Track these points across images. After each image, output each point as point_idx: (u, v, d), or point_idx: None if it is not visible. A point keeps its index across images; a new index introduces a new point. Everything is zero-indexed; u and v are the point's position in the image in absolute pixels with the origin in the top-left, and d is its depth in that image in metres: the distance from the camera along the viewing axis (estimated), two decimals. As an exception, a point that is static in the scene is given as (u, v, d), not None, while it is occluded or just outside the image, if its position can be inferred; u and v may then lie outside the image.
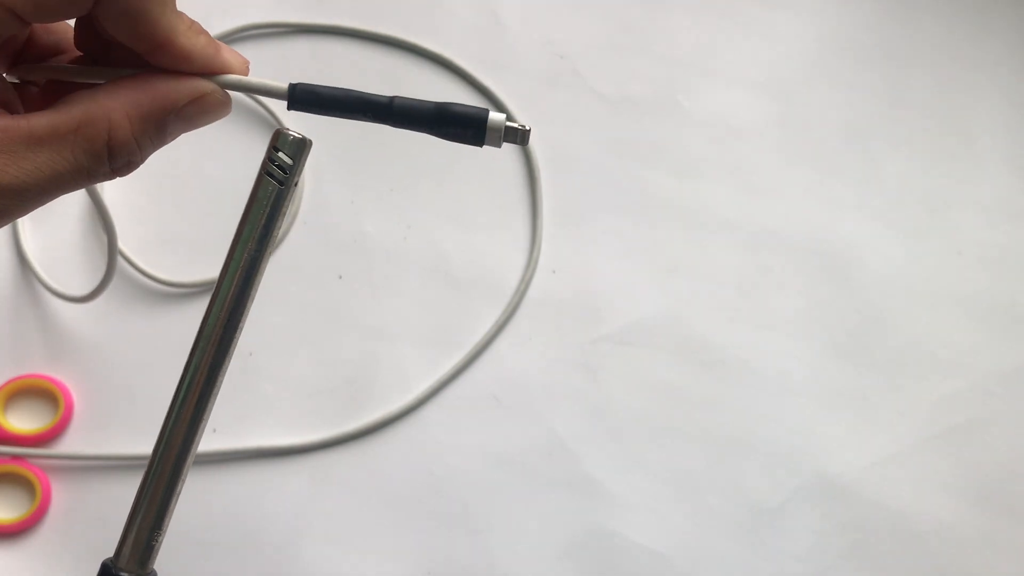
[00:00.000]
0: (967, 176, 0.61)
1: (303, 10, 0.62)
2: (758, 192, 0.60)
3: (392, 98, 0.32)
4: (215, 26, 0.61)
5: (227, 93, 0.32)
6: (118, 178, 0.31)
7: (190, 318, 0.57)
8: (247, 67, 0.34)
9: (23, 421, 0.54)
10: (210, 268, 0.57)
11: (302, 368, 0.55)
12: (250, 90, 0.33)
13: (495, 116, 0.32)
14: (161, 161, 0.60)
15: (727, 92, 0.62)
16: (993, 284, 0.59)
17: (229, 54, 0.34)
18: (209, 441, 0.54)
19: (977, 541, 0.54)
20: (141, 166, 0.31)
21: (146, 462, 0.56)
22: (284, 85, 0.33)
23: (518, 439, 0.55)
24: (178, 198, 0.58)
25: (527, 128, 0.32)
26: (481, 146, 0.32)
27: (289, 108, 0.33)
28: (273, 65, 0.61)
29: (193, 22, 0.32)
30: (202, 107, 0.32)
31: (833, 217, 0.60)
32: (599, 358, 0.56)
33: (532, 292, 0.57)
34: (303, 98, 0.34)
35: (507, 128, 0.32)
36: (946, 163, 0.61)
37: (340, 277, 0.57)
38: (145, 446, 0.54)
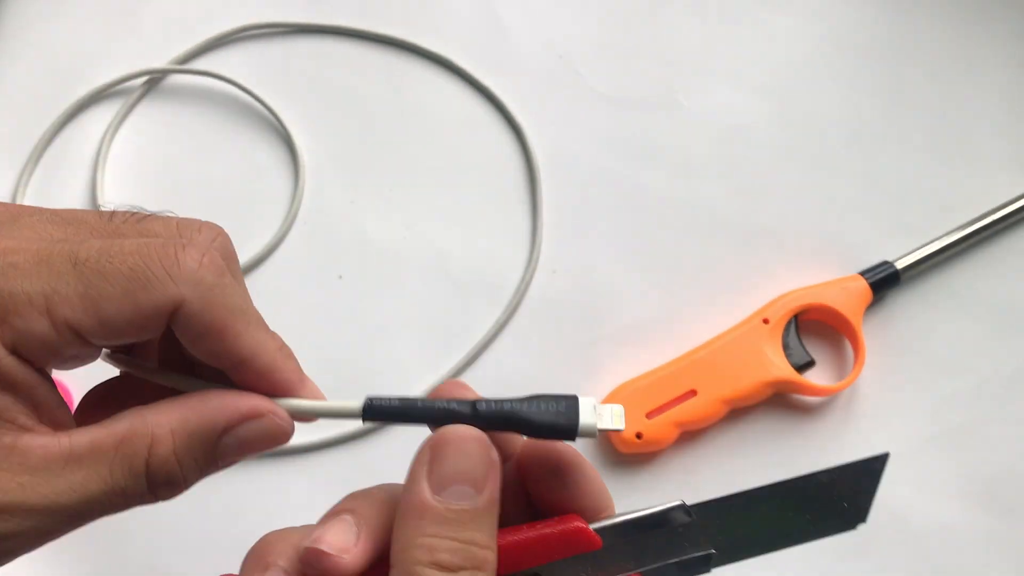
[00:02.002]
0: (967, 176, 0.61)
1: (303, 10, 0.62)
2: (758, 192, 0.60)
3: (474, 404, 0.30)
4: (215, 26, 0.61)
5: (290, 419, 0.29)
6: (161, 502, 0.28)
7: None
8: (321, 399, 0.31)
9: (23, 421, 0.54)
10: (210, 268, 0.57)
11: (302, 368, 0.55)
12: (321, 415, 0.31)
13: (585, 422, 0.30)
14: (161, 161, 0.60)
15: (727, 92, 0.62)
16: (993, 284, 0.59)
17: (312, 386, 0.31)
18: (209, 441, 0.54)
19: (977, 541, 0.54)
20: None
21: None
22: (358, 405, 0.31)
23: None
24: (179, 198, 0.58)
25: (619, 428, 0.30)
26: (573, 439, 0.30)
27: (364, 421, 0.31)
28: (273, 65, 0.61)
29: (284, 345, 0.31)
30: (259, 429, 0.29)
31: (833, 217, 0.60)
32: (599, 358, 0.56)
33: (532, 292, 0.57)
34: (377, 414, 0.31)
35: (600, 427, 0.30)
36: (946, 163, 0.61)
37: (340, 277, 0.57)
38: (145, 446, 0.54)
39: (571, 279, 0.58)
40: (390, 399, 0.31)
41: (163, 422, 0.28)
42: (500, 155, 0.60)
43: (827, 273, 0.58)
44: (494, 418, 0.30)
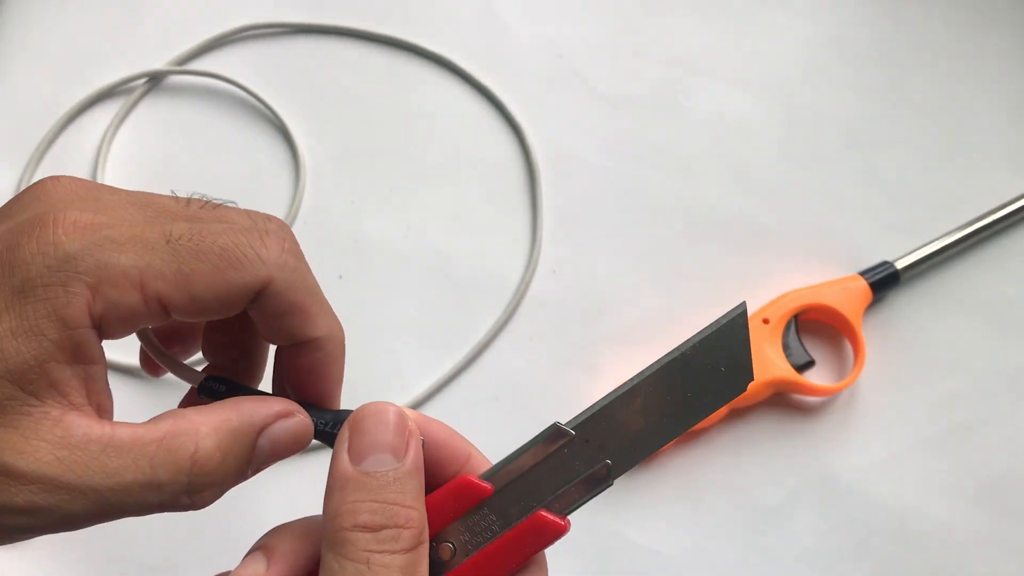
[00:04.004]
0: (967, 176, 0.61)
1: (303, 10, 0.62)
2: (758, 192, 0.60)
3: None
4: (215, 26, 0.61)
5: (311, 426, 0.31)
6: (191, 508, 0.29)
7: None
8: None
9: (23, 421, 0.54)
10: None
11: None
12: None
13: None
14: (162, 161, 0.60)
15: (727, 92, 0.62)
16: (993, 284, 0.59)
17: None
18: (209, 441, 0.54)
19: (977, 541, 0.54)
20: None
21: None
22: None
23: (518, 439, 0.55)
24: (178, 198, 0.58)
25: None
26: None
27: None
28: (273, 65, 0.61)
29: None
30: (290, 428, 0.30)
31: (833, 218, 0.60)
32: (599, 358, 0.56)
33: (532, 292, 0.57)
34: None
35: None
36: (946, 163, 0.61)
37: (340, 277, 0.57)
38: (145, 446, 0.54)
39: (571, 279, 0.58)
40: (225, 383, 0.32)
41: (206, 420, 0.28)
42: (500, 155, 0.60)
43: (827, 273, 0.58)
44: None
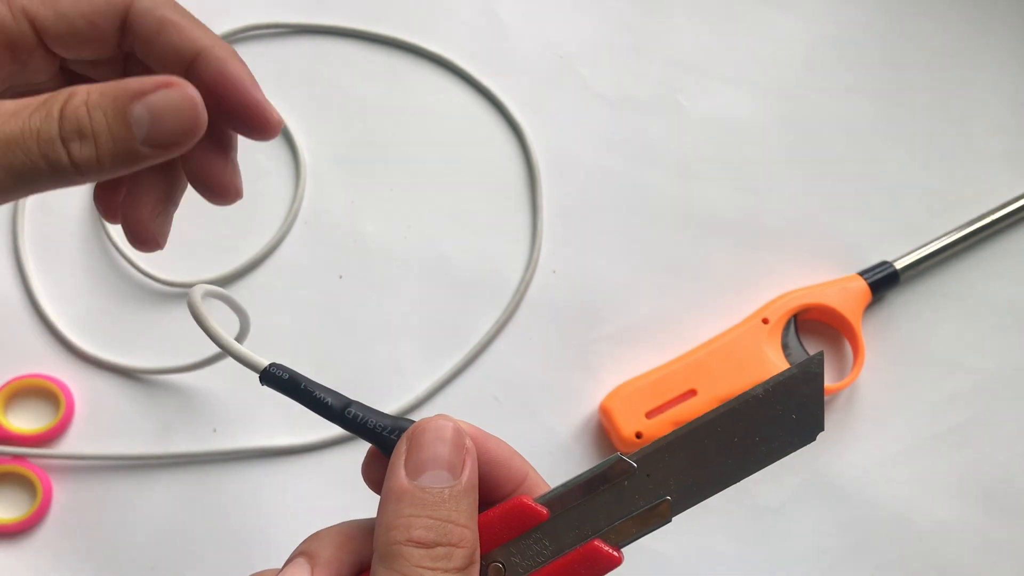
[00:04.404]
0: (967, 176, 0.61)
1: (303, 10, 0.62)
2: (758, 192, 0.60)
3: (347, 405, 0.32)
4: (215, 27, 0.61)
5: (199, 95, 0.29)
6: (80, 178, 0.29)
7: (190, 318, 0.56)
8: (280, 125, 0.33)
9: (23, 421, 0.54)
10: (210, 268, 0.57)
11: (302, 368, 0.55)
12: (229, 352, 0.33)
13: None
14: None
15: (727, 92, 0.62)
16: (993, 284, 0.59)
17: (271, 109, 0.33)
18: (209, 441, 0.54)
19: (977, 541, 0.54)
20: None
21: (146, 462, 0.56)
22: (263, 364, 0.33)
23: (519, 439, 0.55)
24: (178, 198, 0.58)
25: None
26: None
27: (262, 383, 0.33)
28: (273, 65, 0.61)
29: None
30: (169, 99, 0.29)
31: (833, 218, 0.60)
32: (599, 358, 0.56)
33: (532, 292, 0.57)
34: (271, 380, 0.33)
35: None
36: (946, 163, 0.61)
37: (340, 277, 0.57)
38: (145, 446, 0.54)
39: (571, 279, 0.58)
40: (288, 372, 0.32)
41: (85, 86, 0.28)
42: (500, 155, 0.60)
43: (827, 273, 0.58)
44: (355, 426, 0.32)
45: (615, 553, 0.30)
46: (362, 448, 0.55)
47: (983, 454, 0.55)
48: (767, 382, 0.31)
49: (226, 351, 0.33)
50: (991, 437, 0.56)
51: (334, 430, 0.54)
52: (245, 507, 0.53)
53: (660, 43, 0.63)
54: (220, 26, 0.61)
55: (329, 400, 0.32)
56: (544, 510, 0.30)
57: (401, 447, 0.30)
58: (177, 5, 0.32)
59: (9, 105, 0.28)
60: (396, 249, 0.58)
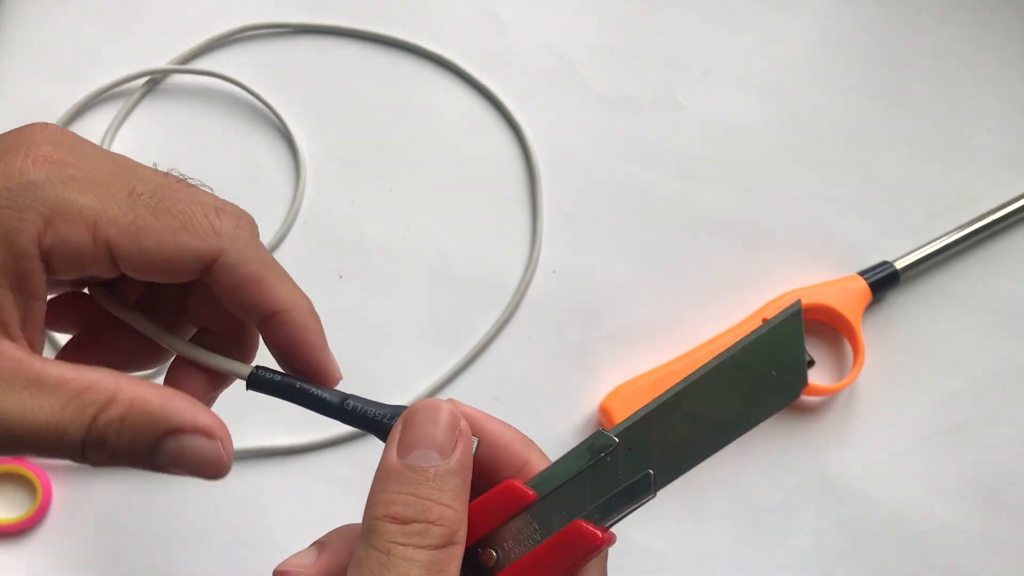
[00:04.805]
0: (967, 176, 0.61)
1: (303, 10, 0.62)
2: (758, 192, 0.60)
3: (344, 399, 0.32)
4: (215, 26, 0.61)
5: (230, 457, 0.29)
6: (81, 463, 0.28)
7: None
8: (339, 381, 0.34)
9: (23, 421, 0.54)
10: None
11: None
12: (209, 366, 0.33)
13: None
14: (162, 161, 0.60)
15: (727, 92, 0.62)
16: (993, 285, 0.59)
17: (332, 357, 0.33)
18: (209, 441, 0.54)
19: (977, 541, 0.54)
20: None
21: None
22: (246, 370, 0.33)
23: (518, 439, 0.55)
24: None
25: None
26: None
27: (248, 388, 0.33)
28: (274, 65, 0.61)
29: (314, 308, 0.32)
30: (202, 448, 0.29)
31: (833, 218, 0.60)
32: (599, 358, 0.56)
33: (532, 292, 0.57)
34: (260, 385, 0.32)
35: None
36: (946, 163, 0.61)
37: (340, 277, 0.57)
38: (145, 446, 0.54)
39: (571, 279, 0.58)
40: (275, 373, 0.32)
41: (129, 387, 0.28)
42: (500, 155, 0.60)
43: (827, 273, 0.58)
44: (355, 417, 0.32)
45: (599, 533, 0.29)
46: (362, 448, 0.55)
47: (983, 454, 0.55)
48: (745, 339, 0.30)
49: (201, 363, 0.32)
50: (991, 437, 0.56)
51: (334, 430, 0.54)
52: (245, 507, 0.53)
53: (660, 43, 0.63)
54: (220, 26, 0.61)
55: (326, 396, 0.32)
56: (532, 492, 0.30)
57: (396, 428, 0.30)
58: (266, 259, 0.31)
59: (53, 374, 0.27)
60: (396, 249, 0.58)
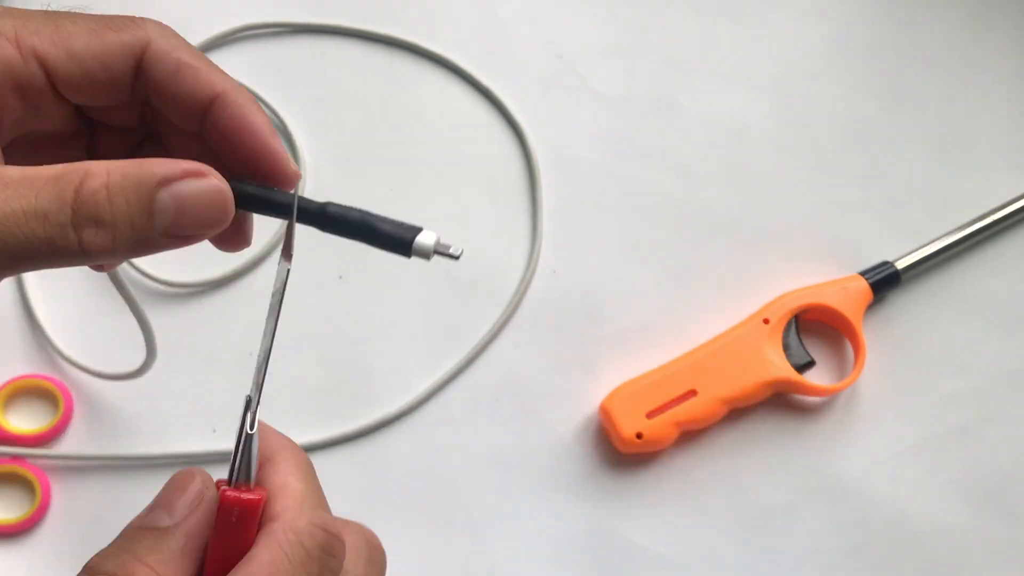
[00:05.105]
0: (967, 176, 0.61)
1: (303, 10, 0.62)
2: (758, 192, 0.60)
3: (326, 203, 0.31)
4: (215, 26, 0.61)
5: (228, 187, 0.28)
6: (86, 261, 0.26)
7: (190, 318, 0.57)
8: (298, 178, 0.32)
9: (23, 421, 0.54)
10: (210, 268, 0.57)
11: (302, 368, 0.55)
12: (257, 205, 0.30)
13: (423, 239, 0.32)
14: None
15: (727, 92, 0.62)
16: (993, 285, 0.59)
17: (289, 159, 0.31)
18: (209, 441, 0.54)
19: (977, 541, 0.54)
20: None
21: (147, 462, 0.56)
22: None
23: (519, 439, 0.55)
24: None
25: (457, 255, 0.31)
26: (408, 257, 0.31)
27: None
28: (273, 65, 0.61)
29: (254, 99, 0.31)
30: (197, 188, 0.27)
31: (833, 218, 0.60)
32: (599, 358, 0.56)
33: (532, 292, 0.57)
34: (242, 200, 0.30)
35: (436, 250, 0.31)
36: (946, 163, 0.61)
37: (340, 277, 0.57)
38: (145, 446, 0.54)
39: (571, 279, 0.58)
40: (255, 188, 0.30)
41: (103, 163, 0.26)
42: (500, 155, 0.60)
43: (827, 273, 0.58)
44: (341, 219, 0.31)
45: (242, 495, 0.29)
46: (362, 448, 0.55)
47: (983, 454, 0.55)
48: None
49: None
50: (991, 437, 0.56)
51: (333, 430, 0.54)
52: (245, 507, 0.53)
53: (660, 43, 0.63)
54: (220, 26, 0.61)
55: (307, 203, 0.31)
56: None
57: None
58: (193, 49, 0.30)
59: (13, 173, 0.25)
60: (396, 249, 0.58)
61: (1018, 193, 0.59)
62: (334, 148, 0.60)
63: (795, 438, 0.55)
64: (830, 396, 0.55)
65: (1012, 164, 0.61)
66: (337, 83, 0.61)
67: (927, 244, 0.58)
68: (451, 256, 0.31)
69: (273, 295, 0.31)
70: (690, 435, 0.54)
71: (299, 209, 0.30)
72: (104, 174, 0.26)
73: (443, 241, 0.31)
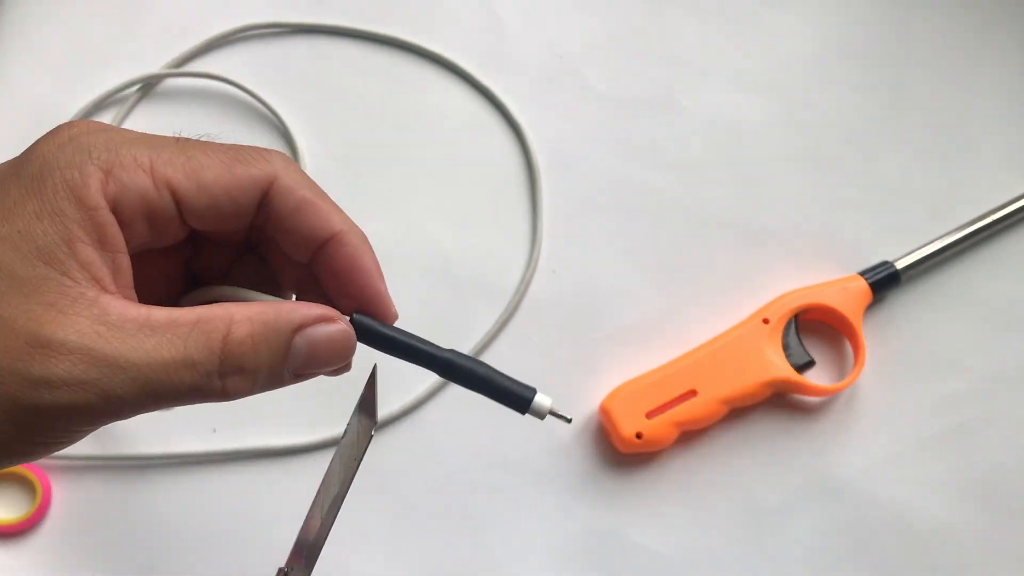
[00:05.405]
0: (967, 176, 0.61)
1: (303, 10, 0.62)
2: (758, 192, 0.60)
3: (452, 356, 0.33)
4: (215, 26, 0.61)
5: (353, 331, 0.31)
6: (222, 401, 0.29)
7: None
8: (396, 319, 0.34)
9: (23, 421, 0.54)
10: (210, 268, 0.57)
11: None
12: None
13: (541, 400, 0.35)
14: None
15: (727, 92, 0.62)
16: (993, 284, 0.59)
17: (391, 303, 0.33)
18: (209, 441, 0.54)
19: (976, 541, 0.54)
20: None
21: (147, 462, 0.56)
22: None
23: (519, 439, 0.55)
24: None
25: (569, 418, 0.35)
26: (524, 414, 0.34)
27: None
28: (273, 65, 0.61)
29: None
30: (328, 333, 0.30)
31: (833, 218, 0.60)
32: (599, 358, 0.56)
33: (532, 292, 0.57)
34: (364, 334, 0.33)
35: (551, 411, 0.35)
36: (946, 163, 0.61)
37: (340, 277, 0.57)
38: (145, 446, 0.54)
39: (571, 279, 0.58)
40: (381, 325, 0.33)
41: (241, 310, 0.28)
42: (500, 155, 0.60)
43: (827, 273, 0.58)
44: (464, 375, 0.33)
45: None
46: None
47: (983, 454, 0.55)
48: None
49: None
50: (991, 437, 0.56)
51: (333, 430, 0.54)
52: (245, 507, 0.53)
53: (661, 43, 0.63)
54: (220, 26, 0.61)
55: (434, 351, 0.33)
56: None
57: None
58: (316, 186, 0.32)
59: (160, 316, 0.27)
60: (396, 249, 0.58)
61: (1018, 193, 0.59)
62: (334, 148, 0.60)
63: (795, 438, 0.55)
64: (830, 396, 0.55)
65: (1012, 164, 0.61)
66: (337, 83, 0.61)
67: (927, 244, 0.58)
68: (563, 419, 0.35)
69: (340, 447, 0.35)
70: (690, 435, 0.54)
71: (424, 354, 0.33)
72: (247, 323, 0.28)
73: (555, 405, 0.35)
